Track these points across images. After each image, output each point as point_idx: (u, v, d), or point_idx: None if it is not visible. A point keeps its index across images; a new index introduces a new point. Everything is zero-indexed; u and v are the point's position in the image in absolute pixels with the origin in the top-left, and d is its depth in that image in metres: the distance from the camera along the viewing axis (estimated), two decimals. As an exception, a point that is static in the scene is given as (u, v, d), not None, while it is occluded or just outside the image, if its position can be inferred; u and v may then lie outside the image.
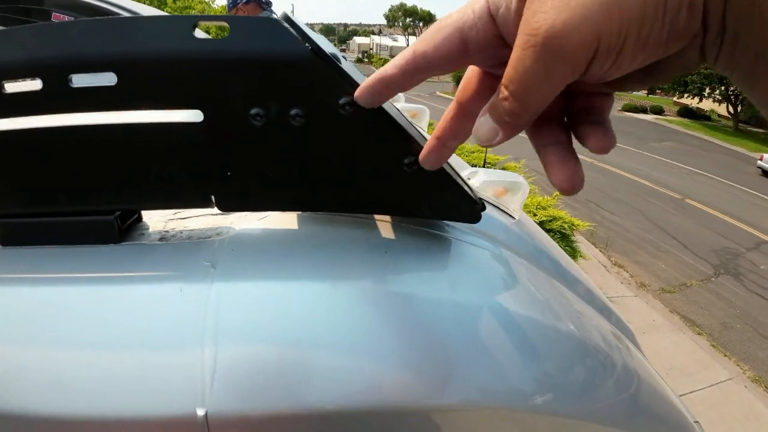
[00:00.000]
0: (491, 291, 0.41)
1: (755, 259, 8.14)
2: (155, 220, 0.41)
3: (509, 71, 0.24)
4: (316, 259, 0.35)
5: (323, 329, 0.31)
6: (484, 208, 0.40)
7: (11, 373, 0.30)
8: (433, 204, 0.38)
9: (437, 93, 30.49)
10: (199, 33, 0.33)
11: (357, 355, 0.31)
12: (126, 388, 0.29)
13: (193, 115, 0.32)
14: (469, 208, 0.39)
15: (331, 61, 0.31)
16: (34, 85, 0.32)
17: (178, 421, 0.28)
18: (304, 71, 0.31)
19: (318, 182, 0.35)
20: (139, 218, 0.40)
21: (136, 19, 0.31)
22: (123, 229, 0.37)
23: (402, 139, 0.34)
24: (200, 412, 0.28)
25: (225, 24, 0.31)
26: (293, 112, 0.32)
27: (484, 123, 0.27)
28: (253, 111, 0.32)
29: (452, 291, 0.37)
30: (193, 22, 0.30)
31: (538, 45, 0.22)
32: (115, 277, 0.33)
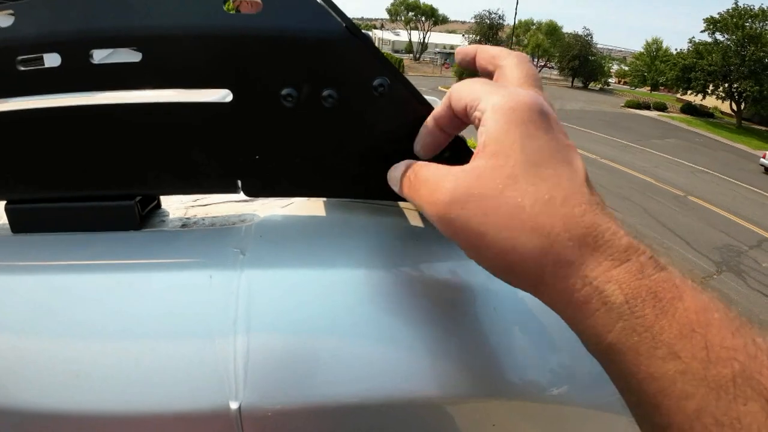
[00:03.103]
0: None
1: (758, 257, 8.12)
2: (174, 207, 0.40)
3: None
4: (346, 247, 0.33)
5: (357, 318, 0.30)
6: None
7: (25, 365, 0.29)
8: None
9: (439, 87, 30.40)
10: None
11: (393, 344, 0.30)
12: (154, 381, 0.28)
13: (222, 95, 0.31)
14: None
15: (367, 40, 0.30)
16: (53, 61, 0.30)
17: (210, 416, 0.27)
18: (338, 50, 0.30)
19: (349, 167, 0.34)
20: (158, 205, 0.39)
21: None
22: (143, 215, 0.36)
23: None
24: (233, 406, 0.26)
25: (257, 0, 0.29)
26: (326, 92, 0.31)
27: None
28: (285, 91, 0.30)
29: (486, 278, 0.35)
30: (224, -5, 0.29)
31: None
32: (137, 264, 0.32)
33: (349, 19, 0.30)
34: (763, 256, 8.18)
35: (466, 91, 0.27)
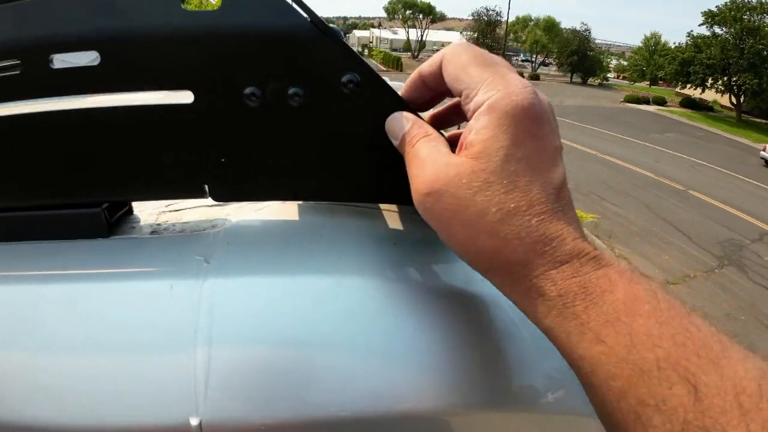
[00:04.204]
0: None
1: (759, 251, 8.10)
2: (147, 212, 0.38)
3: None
4: (319, 253, 0.32)
5: (326, 329, 0.28)
6: None
7: None
8: None
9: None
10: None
11: (363, 356, 0.28)
12: (114, 394, 0.26)
13: (183, 97, 0.29)
14: None
15: (334, 35, 0.29)
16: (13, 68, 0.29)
17: (169, 431, 0.25)
18: (304, 46, 0.29)
19: (320, 168, 0.32)
20: (130, 211, 0.38)
21: None
22: (112, 222, 0.35)
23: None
24: (194, 422, 0.25)
25: (216, -6, 0.28)
26: (292, 91, 0.29)
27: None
28: (248, 90, 0.29)
29: (467, 285, 0.34)
30: (182, -8, 0.28)
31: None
32: (102, 273, 0.31)
33: (314, 14, 0.29)
34: (764, 249, 8.16)
35: (463, 75, 0.28)
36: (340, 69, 0.29)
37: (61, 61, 0.30)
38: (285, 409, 0.26)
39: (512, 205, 0.25)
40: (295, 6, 0.28)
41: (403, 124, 0.30)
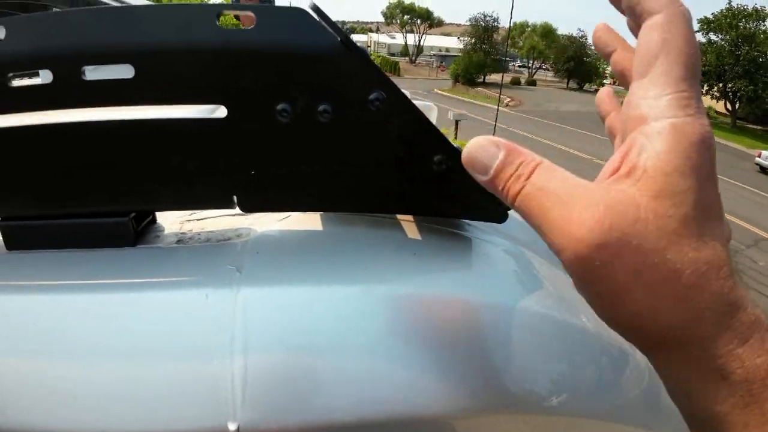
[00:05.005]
0: (519, 291, 0.40)
1: (754, 256, 8.15)
2: (169, 221, 0.39)
3: None
4: (344, 262, 0.33)
5: (357, 335, 0.29)
6: (510, 207, 0.39)
7: (20, 387, 0.28)
8: (461, 203, 0.36)
9: (435, 90, 30.47)
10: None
11: (394, 362, 0.29)
12: (150, 402, 0.27)
13: (216, 111, 0.30)
14: (496, 207, 0.38)
15: (362, 54, 0.30)
16: (44, 77, 0.30)
17: (208, 436, 0.26)
18: (333, 65, 0.30)
19: (345, 181, 0.34)
20: (154, 220, 0.38)
21: (156, 7, 0.29)
22: (138, 231, 0.35)
23: (432, 137, 0.33)
24: (232, 427, 0.26)
25: (250, 14, 0.29)
26: (321, 107, 0.30)
27: None
28: (280, 106, 0.30)
29: (484, 292, 0.35)
30: (218, 11, 0.29)
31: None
32: (132, 283, 0.32)
33: (344, 33, 0.30)
34: (759, 255, 8.21)
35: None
36: (367, 87, 0.30)
37: (95, 72, 0.31)
38: (317, 413, 0.27)
39: (704, 268, 0.20)
40: (325, 26, 0.29)
41: (494, 152, 0.24)
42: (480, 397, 0.32)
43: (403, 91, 0.32)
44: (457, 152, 0.34)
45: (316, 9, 0.30)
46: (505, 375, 0.33)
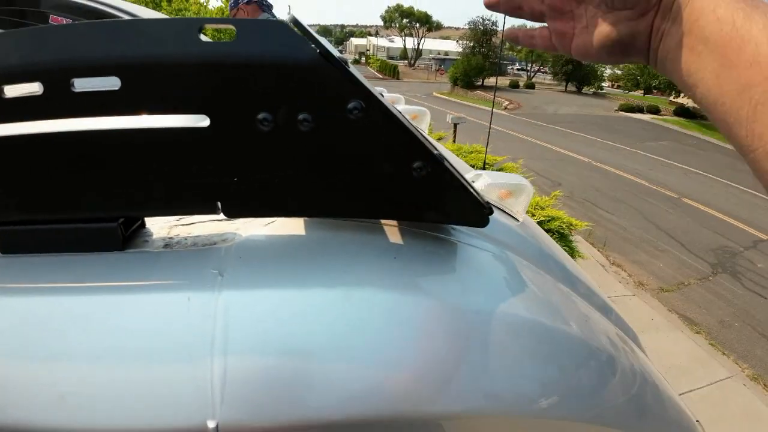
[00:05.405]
0: (501, 295, 0.41)
1: (753, 258, 8.15)
2: (158, 226, 0.40)
3: None
4: (326, 266, 0.34)
5: (335, 337, 0.30)
6: (491, 212, 0.40)
7: (10, 386, 0.29)
8: (442, 208, 0.37)
9: (434, 93, 30.50)
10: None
11: (369, 362, 0.30)
12: (133, 400, 0.28)
13: (200, 120, 0.31)
14: (477, 212, 0.39)
15: (340, 65, 0.31)
16: (35, 89, 0.31)
17: (187, 435, 0.27)
18: (312, 75, 0.31)
19: (326, 188, 0.35)
20: (143, 224, 0.39)
21: (141, 22, 0.30)
22: (126, 236, 0.36)
23: (411, 143, 0.34)
24: (211, 425, 0.27)
25: (231, 27, 0.30)
26: (301, 116, 0.31)
27: None
28: (261, 116, 0.31)
29: (463, 296, 0.36)
30: (199, 25, 0.30)
31: None
32: (119, 286, 0.33)
33: (323, 45, 0.31)
34: (758, 256, 8.21)
35: None
36: (346, 96, 0.31)
37: (84, 84, 0.32)
38: (297, 414, 0.28)
39: None
40: (304, 38, 0.31)
41: None
42: (461, 400, 0.33)
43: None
44: (436, 159, 0.35)
45: (295, 22, 0.31)
46: (484, 379, 0.34)
